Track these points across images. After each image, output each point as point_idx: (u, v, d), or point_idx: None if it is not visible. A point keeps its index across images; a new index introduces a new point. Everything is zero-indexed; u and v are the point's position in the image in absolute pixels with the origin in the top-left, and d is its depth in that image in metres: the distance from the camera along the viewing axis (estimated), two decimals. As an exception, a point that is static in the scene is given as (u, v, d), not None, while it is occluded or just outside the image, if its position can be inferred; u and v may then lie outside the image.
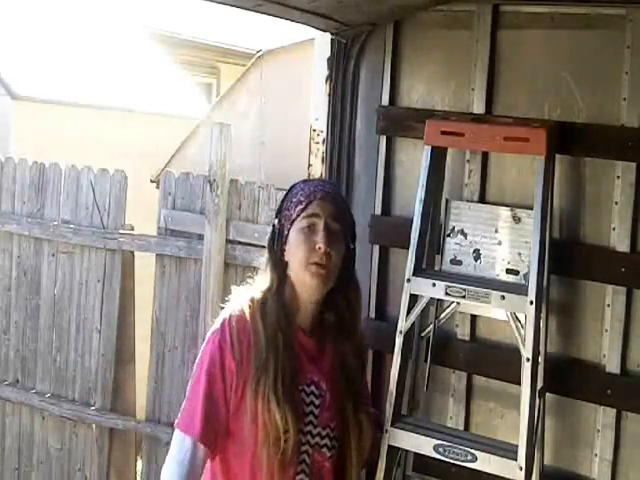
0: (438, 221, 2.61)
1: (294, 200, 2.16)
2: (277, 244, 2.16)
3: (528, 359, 2.27)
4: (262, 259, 2.22)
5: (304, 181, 2.29)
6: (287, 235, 2.15)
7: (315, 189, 2.17)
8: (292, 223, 2.14)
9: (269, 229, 2.23)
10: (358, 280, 2.28)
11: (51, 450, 4.81)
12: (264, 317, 2.10)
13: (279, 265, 2.16)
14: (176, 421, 2.14)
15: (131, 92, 8.05)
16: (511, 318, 2.35)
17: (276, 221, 2.18)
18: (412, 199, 2.53)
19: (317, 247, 2.09)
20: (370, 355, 2.81)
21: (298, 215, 2.13)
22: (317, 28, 2.82)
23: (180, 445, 2.09)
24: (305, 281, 2.12)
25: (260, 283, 2.18)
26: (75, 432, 4.72)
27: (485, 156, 2.63)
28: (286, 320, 2.12)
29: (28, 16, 7.98)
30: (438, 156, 2.53)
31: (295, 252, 2.13)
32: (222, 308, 2.18)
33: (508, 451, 2.30)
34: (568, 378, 2.49)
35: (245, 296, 2.16)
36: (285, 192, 2.23)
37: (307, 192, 2.16)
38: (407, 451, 2.58)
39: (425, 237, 2.51)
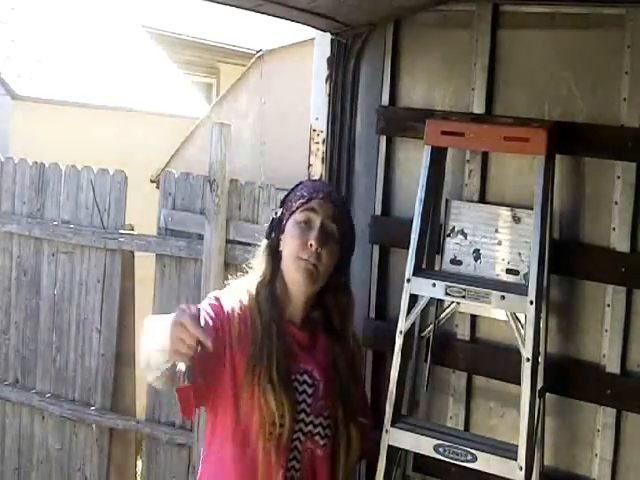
0: (438, 221, 2.61)
1: (297, 194, 2.20)
2: (275, 232, 2.19)
3: (528, 359, 2.27)
4: (260, 246, 2.23)
5: (312, 180, 2.39)
6: (285, 225, 2.18)
7: (319, 188, 2.22)
8: (291, 214, 2.17)
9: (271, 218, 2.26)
10: (351, 287, 2.30)
11: (51, 450, 4.81)
12: (259, 308, 2.13)
13: (274, 255, 2.18)
14: None
15: (131, 92, 8.05)
16: (511, 318, 2.35)
17: (279, 210, 2.22)
18: (412, 199, 2.53)
19: (309, 244, 2.12)
20: (370, 355, 2.81)
21: (297, 208, 2.16)
22: (317, 28, 2.81)
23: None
24: (293, 274, 2.14)
25: (254, 273, 2.20)
26: (75, 432, 4.72)
27: (485, 156, 2.62)
28: (277, 312, 2.14)
29: (28, 16, 7.97)
30: (438, 156, 2.53)
31: (288, 244, 2.16)
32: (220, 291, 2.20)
33: (508, 451, 2.30)
34: (568, 378, 2.49)
35: (242, 284, 2.19)
36: (294, 185, 2.28)
37: (311, 189, 2.20)
38: (407, 451, 2.58)
39: (425, 237, 2.51)
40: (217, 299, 2.12)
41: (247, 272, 2.24)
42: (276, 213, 2.22)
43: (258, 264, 2.21)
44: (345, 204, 2.28)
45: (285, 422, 2.06)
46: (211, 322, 2.05)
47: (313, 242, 2.11)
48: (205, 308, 2.07)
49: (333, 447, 2.20)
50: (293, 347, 2.15)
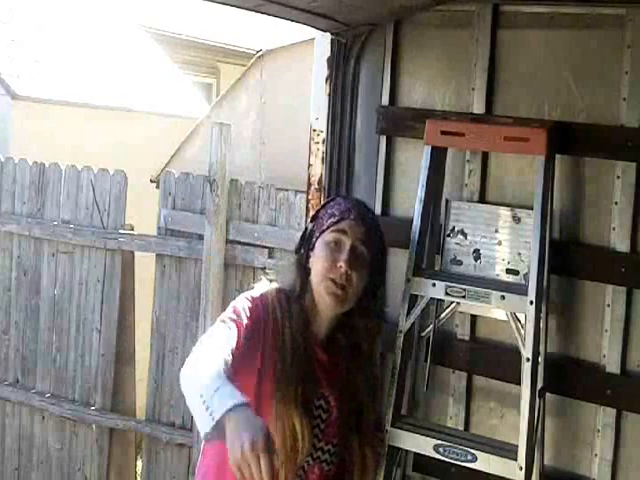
0: (438, 221, 2.61)
1: (329, 211, 2.15)
2: (304, 248, 2.16)
3: (528, 359, 2.27)
4: (290, 259, 2.22)
5: (345, 197, 2.39)
6: (314, 243, 2.14)
7: (352, 208, 2.16)
8: (321, 233, 2.13)
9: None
10: (383, 313, 2.27)
11: (51, 450, 4.81)
12: (290, 319, 2.09)
13: (303, 270, 2.15)
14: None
15: (131, 92, 8.05)
16: (511, 318, 2.35)
17: (310, 225, 2.18)
18: (412, 199, 2.53)
19: (339, 265, 2.08)
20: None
21: (328, 227, 2.12)
22: (317, 28, 2.81)
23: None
24: (321, 294, 2.11)
25: (285, 283, 2.17)
26: (75, 432, 4.72)
27: (485, 156, 2.62)
28: (305, 324, 2.11)
29: (28, 16, 7.97)
30: (438, 156, 2.53)
31: (317, 264, 2.12)
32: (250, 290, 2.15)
33: (508, 451, 2.30)
34: (568, 378, 2.49)
35: (274, 291, 2.13)
36: (327, 200, 2.25)
37: (343, 208, 2.15)
38: (407, 451, 2.58)
39: (425, 237, 2.51)
40: (254, 299, 2.06)
41: (274, 280, 2.20)
42: (306, 228, 2.19)
43: (288, 276, 2.18)
44: (378, 225, 2.21)
45: (305, 444, 2.04)
46: (250, 326, 2.00)
47: (343, 264, 2.07)
48: (245, 310, 2.01)
49: (337, 472, 2.18)
50: (315, 369, 2.12)
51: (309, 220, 2.22)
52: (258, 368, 2.05)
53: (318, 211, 2.21)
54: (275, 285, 2.17)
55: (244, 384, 2.00)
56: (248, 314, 2.01)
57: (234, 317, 1.99)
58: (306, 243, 2.16)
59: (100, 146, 6.68)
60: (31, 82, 7.24)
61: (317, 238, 2.14)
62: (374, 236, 2.16)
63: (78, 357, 4.72)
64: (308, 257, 2.15)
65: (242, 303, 2.04)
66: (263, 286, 2.17)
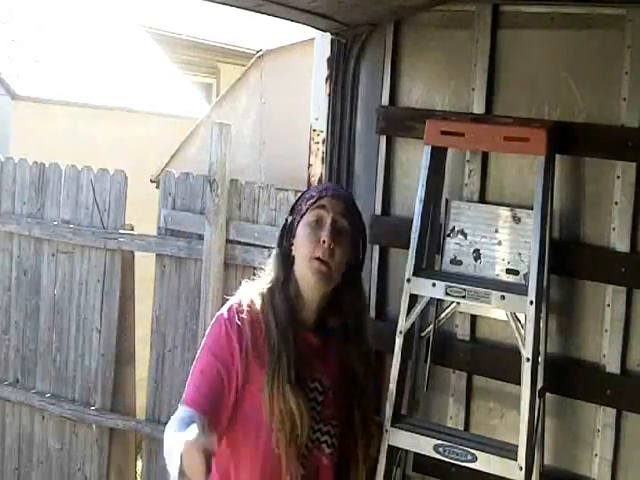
0: (438, 221, 2.61)
1: (306, 196, 2.20)
2: (286, 238, 2.19)
3: (528, 359, 2.27)
4: (271, 254, 2.24)
5: (320, 183, 2.47)
6: (296, 229, 2.17)
7: (327, 187, 2.25)
8: (302, 217, 2.16)
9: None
10: (363, 285, 2.29)
11: (51, 450, 4.81)
12: (274, 309, 2.12)
13: (286, 261, 2.18)
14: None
15: (131, 92, 8.05)
16: (511, 318, 2.35)
17: (289, 217, 2.22)
18: (412, 199, 2.53)
19: (322, 241, 2.11)
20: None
21: (308, 208, 2.16)
22: (317, 28, 2.82)
23: (183, 410, 2.06)
24: (307, 277, 2.13)
25: (267, 277, 2.19)
26: (75, 432, 4.72)
27: (485, 156, 2.62)
28: (292, 314, 2.13)
29: (28, 16, 7.97)
30: (438, 156, 2.53)
31: (300, 246, 2.14)
32: (228, 299, 2.19)
33: (508, 451, 2.30)
34: (568, 378, 2.49)
35: (254, 288, 2.18)
36: (301, 193, 2.30)
37: (319, 189, 2.23)
38: (407, 451, 2.58)
39: (425, 237, 2.51)
40: (225, 321, 2.11)
41: (257, 277, 2.22)
42: (286, 220, 2.22)
43: (270, 270, 2.20)
44: (355, 204, 2.27)
45: (304, 423, 2.06)
46: (221, 360, 2.08)
47: (326, 239, 2.10)
48: (214, 341, 2.11)
49: (340, 456, 2.19)
50: (307, 353, 2.14)
51: (287, 214, 2.24)
52: (242, 376, 2.08)
53: (295, 203, 2.24)
54: (258, 284, 2.19)
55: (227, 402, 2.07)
56: (216, 343, 2.12)
57: (212, 353, 2.11)
58: (287, 233, 2.19)
59: (100, 146, 6.68)
60: (31, 82, 7.24)
61: (298, 223, 2.17)
62: (353, 211, 2.21)
63: (78, 357, 4.72)
64: (291, 245, 2.17)
65: (214, 336, 2.13)
66: (247, 287, 2.20)
